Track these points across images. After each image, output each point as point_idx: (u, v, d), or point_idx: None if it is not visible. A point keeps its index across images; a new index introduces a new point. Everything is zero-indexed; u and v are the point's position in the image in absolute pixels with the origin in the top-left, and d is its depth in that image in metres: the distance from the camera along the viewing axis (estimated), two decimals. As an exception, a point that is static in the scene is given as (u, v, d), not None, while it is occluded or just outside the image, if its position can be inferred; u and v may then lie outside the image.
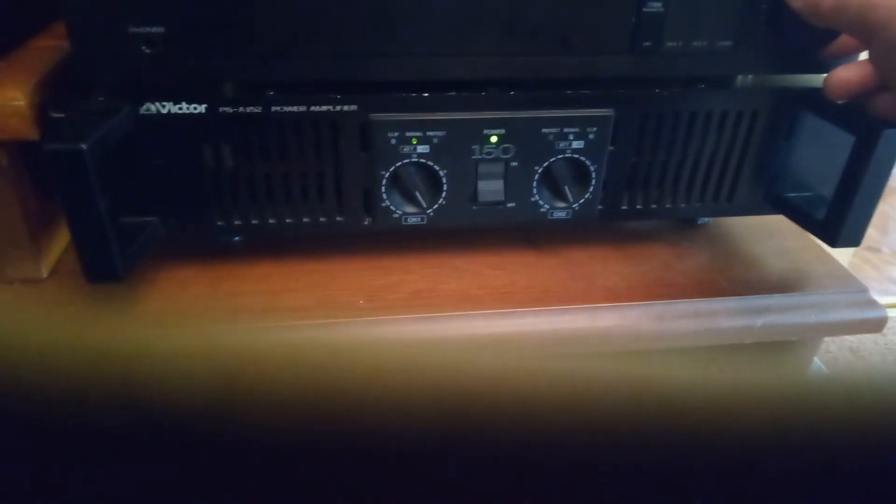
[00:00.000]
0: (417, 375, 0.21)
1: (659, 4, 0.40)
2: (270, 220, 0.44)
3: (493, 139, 0.43)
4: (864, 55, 0.40)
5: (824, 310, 0.47)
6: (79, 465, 0.20)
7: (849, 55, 0.42)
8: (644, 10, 0.40)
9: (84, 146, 0.34)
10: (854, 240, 0.44)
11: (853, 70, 0.40)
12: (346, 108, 0.41)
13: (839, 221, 0.43)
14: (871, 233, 0.42)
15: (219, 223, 0.44)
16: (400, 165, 0.43)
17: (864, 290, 0.49)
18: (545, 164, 0.44)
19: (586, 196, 0.46)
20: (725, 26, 0.41)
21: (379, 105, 0.41)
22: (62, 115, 0.38)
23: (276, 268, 0.47)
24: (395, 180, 0.44)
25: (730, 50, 0.42)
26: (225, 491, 0.20)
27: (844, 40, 0.42)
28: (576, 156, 0.44)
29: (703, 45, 0.42)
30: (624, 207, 0.48)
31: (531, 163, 0.44)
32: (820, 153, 0.46)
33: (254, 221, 0.44)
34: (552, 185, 0.46)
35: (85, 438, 0.20)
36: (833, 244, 0.45)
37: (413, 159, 0.43)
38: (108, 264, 0.38)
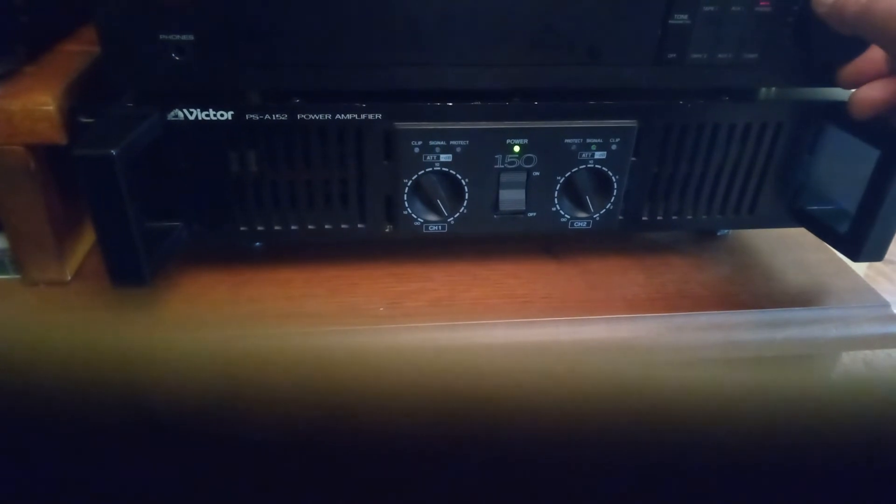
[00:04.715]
0: (434, 381, 0.21)
1: (685, 17, 0.40)
2: (293, 227, 0.44)
3: (516, 149, 0.43)
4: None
5: (846, 324, 0.47)
6: (96, 466, 0.20)
7: (872, 78, 0.42)
8: (670, 21, 0.40)
9: (113, 152, 0.35)
10: (877, 254, 0.44)
11: (878, 88, 0.40)
12: (370, 116, 0.41)
13: (862, 236, 0.43)
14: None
15: (242, 229, 0.44)
16: (422, 174, 0.43)
17: (885, 304, 0.48)
18: (567, 174, 0.44)
19: (607, 206, 0.46)
20: (751, 39, 0.41)
21: (403, 114, 0.41)
22: (91, 121, 0.38)
23: (297, 273, 0.48)
24: (418, 188, 0.44)
25: (755, 62, 0.42)
26: (234, 491, 0.20)
27: (866, 62, 0.41)
28: (598, 166, 0.44)
29: (728, 57, 0.41)
30: (644, 218, 0.48)
31: (553, 172, 0.44)
32: (843, 166, 0.46)
33: (276, 227, 0.44)
34: (573, 195, 0.46)
35: (102, 438, 0.20)
36: (855, 258, 0.44)
37: (436, 168, 0.43)
38: (133, 269, 0.38)
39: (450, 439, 0.20)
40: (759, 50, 0.42)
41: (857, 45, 0.41)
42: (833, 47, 0.41)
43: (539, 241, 0.53)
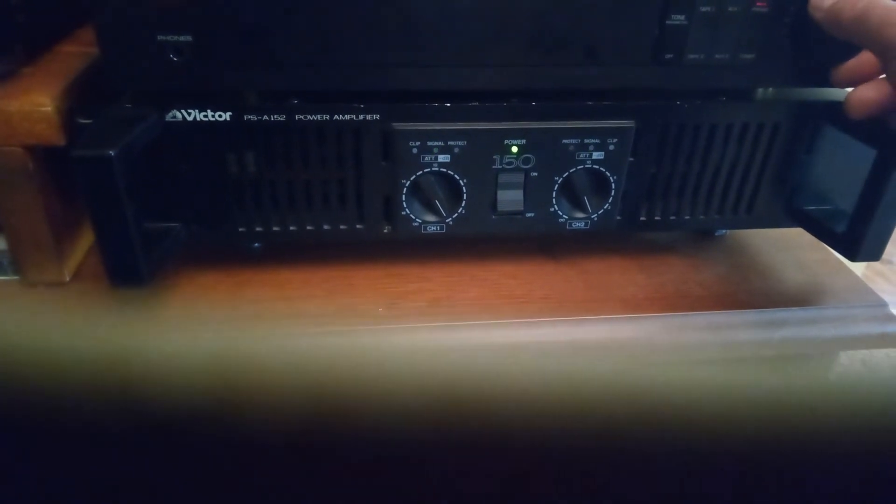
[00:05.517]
0: (432, 381, 0.21)
1: (682, 17, 0.40)
2: (291, 227, 0.44)
3: (514, 149, 0.43)
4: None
5: (844, 324, 0.47)
6: (95, 466, 0.20)
7: (868, 79, 0.42)
8: (667, 22, 0.40)
9: (112, 153, 0.35)
10: (874, 254, 0.44)
11: (873, 89, 0.40)
12: (368, 116, 0.41)
13: (860, 235, 0.43)
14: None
15: (241, 229, 0.44)
16: (421, 174, 0.43)
17: (883, 304, 0.49)
18: (565, 175, 0.45)
19: (605, 207, 0.46)
20: (748, 39, 0.41)
21: (401, 114, 0.41)
22: (89, 122, 0.38)
23: (296, 274, 0.48)
24: (416, 189, 0.44)
25: (751, 63, 0.42)
26: (233, 490, 0.21)
27: (862, 63, 0.42)
28: (596, 167, 0.44)
29: (725, 57, 0.42)
30: (642, 218, 0.48)
31: (551, 173, 0.44)
32: (840, 166, 0.46)
33: (275, 228, 0.44)
34: (571, 195, 0.46)
35: (101, 438, 0.20)
36: (853, 258, 0.45)
37: (434, 168, 0.43)
38: (132, 269, 0.38)
39: (448, 439, 0.20)
40: (756, 50, 0.42)
41: (852, 46, 0.41)
42: (829, 48, 0.41)
43: (537, 241, 0.53)
